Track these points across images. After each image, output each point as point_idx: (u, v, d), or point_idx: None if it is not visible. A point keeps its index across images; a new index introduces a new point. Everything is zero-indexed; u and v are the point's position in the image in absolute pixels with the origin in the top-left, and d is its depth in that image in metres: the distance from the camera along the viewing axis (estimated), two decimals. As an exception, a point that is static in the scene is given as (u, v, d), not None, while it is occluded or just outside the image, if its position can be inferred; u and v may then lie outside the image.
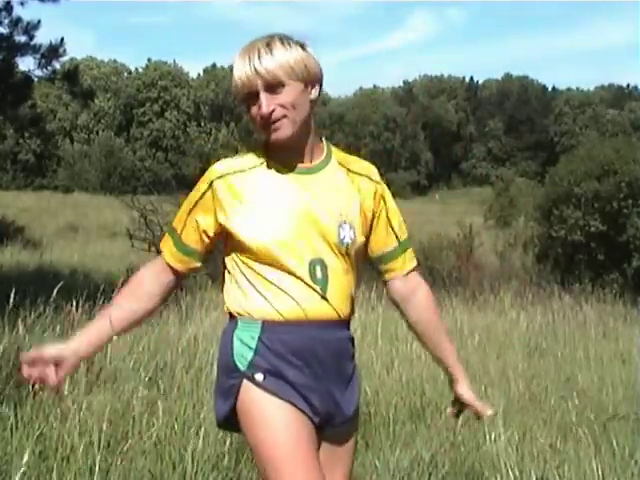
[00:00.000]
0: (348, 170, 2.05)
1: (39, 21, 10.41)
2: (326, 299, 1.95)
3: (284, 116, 1.90)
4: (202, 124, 66.02)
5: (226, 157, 2.03)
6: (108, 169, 54.17)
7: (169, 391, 4.11)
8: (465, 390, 2.18)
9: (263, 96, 1.89)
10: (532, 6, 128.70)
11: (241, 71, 1.90)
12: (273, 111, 1.89)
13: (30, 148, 55.53)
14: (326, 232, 1.96)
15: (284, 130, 1.92)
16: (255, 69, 1.88)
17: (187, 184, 2.08)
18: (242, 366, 1.93)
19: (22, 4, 10.28)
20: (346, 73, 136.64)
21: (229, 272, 2.01)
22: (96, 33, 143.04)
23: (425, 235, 15.67)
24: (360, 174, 2.05)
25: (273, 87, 1.89)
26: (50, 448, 3.30)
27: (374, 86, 78.39)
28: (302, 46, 1.95)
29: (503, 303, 9.06)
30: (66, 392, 3.70)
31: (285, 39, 1.93)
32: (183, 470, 3.31)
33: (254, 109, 1.92)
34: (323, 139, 2.06)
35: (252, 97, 1.91)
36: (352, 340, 2.06)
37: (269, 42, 1.91)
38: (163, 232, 2.09)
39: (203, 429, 3.56)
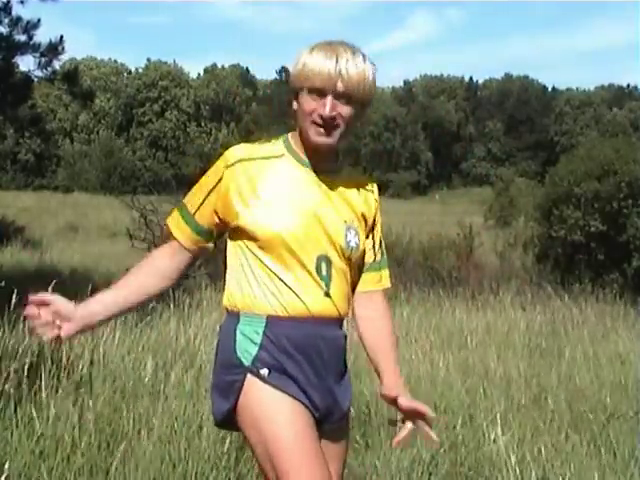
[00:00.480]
0: (357, 182, 2.09)
1: (39, 20, 10.40)
2: (329, 296, 1.96)
3: (337, 126, 1.93)
4: (202, 124, 66.03)
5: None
6: (108, 169, 54.16)
7: (169, 391, 4.11)
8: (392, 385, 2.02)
9: (331, 99, 1.90)
10: (532, 6, 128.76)
11: (324, 66, 1.89)
12: (334, 117, 1.91)
13: (30, 148, 55.56)
14: (333, 233, 1.98)
15: (331, 138, 1.94)
16: (340, 72, 1.89)
17: (187, 184, 2.08)
18: (246, 361, 1.93)
19: (22, 3, 10.27)
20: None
21: (235, 264, 2.01)
22: (96, 33, 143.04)
23: (425, 235, 15.67)
24: (366, 189, 2.10)
25: (344, 97, 1.91)
26: (50, 448, 3.30)
27: (374, 86, 78.18)
28: (374, 67, 1.98)
29: (503, 303, 9.06)
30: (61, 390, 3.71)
31: (365, 56, 1.96)
32: (183, 470, 3.31)
33: (312, 104, 1.91)
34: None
35: (317, 92, 1.91)
36: (345, 337, 2.08)
37: (355, 52, 1.93)
38: (163, 231, 2.07)
39: (205, 429, 3.56)
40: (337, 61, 1.89)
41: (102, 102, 63.00)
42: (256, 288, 1.95)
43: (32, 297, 1.92)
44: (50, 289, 4.70)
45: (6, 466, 3.01)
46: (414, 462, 3.67)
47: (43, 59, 10.45)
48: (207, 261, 11.12)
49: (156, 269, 2.03)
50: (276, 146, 2.03)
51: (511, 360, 5.88)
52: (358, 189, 2.08)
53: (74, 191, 45.24)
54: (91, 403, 3.66)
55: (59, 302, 1.93)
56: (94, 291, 2.08)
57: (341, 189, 2.03)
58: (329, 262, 1.97)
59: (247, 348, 1.94)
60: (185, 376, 4.39)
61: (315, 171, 2.00)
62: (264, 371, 1.92)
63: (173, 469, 3.31)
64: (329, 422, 2.01)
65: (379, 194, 2.15)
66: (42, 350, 4.24)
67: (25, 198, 34.91)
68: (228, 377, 1.96)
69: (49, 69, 10.61)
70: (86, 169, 54.45)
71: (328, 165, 2.02)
